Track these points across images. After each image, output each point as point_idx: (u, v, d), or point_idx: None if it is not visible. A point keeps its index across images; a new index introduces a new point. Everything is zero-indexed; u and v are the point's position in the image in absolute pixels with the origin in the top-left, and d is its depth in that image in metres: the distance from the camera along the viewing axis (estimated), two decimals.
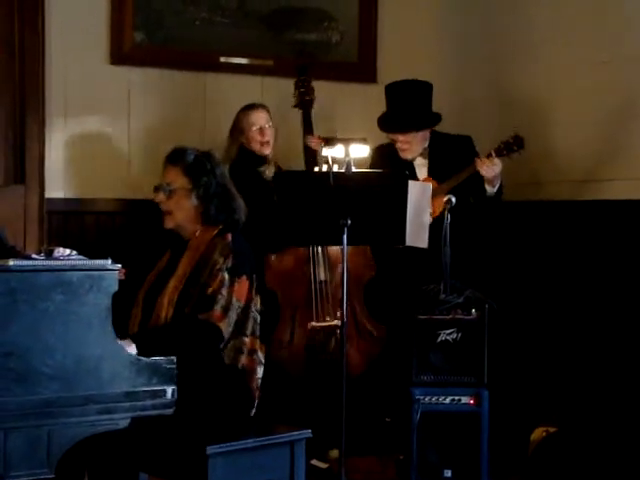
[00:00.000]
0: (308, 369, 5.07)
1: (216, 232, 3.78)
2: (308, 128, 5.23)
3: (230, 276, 3.64)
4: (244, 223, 3.95)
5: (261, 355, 3.80)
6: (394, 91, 5.10)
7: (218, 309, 3.59)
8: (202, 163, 3.87)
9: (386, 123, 5.11)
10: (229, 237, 3.75)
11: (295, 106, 5.29)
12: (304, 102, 5.26)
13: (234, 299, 3.64)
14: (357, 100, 5.83)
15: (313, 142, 5.15)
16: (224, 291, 3.61)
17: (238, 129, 5.22)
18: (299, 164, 5.33)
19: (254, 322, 3.75)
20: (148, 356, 3.11)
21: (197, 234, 3.82)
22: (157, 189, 3.89)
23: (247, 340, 3.71)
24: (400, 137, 5.08)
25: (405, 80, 5.11)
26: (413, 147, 5.10)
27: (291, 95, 5.35)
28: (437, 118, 5.12)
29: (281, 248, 5.06)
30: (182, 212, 3.84)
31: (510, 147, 4.84)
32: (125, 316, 3.77)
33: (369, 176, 4.58)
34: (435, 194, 4.86)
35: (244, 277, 3.69)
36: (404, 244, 4.54)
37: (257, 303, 3.77)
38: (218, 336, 3.58)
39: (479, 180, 4.91)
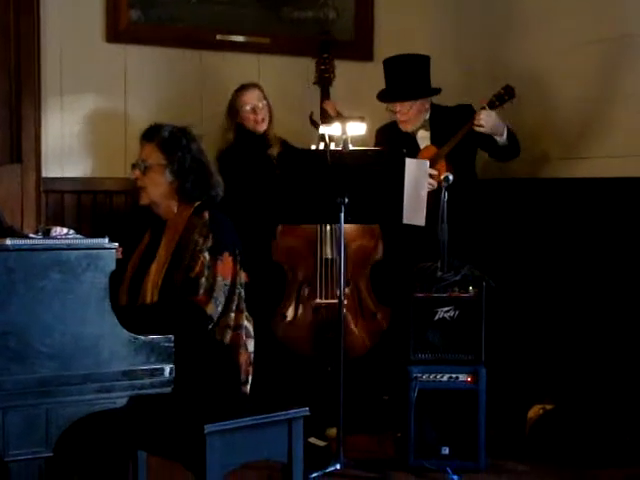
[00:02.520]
0: (313, 347, 5.07)
1: (192, 210, 3.76)
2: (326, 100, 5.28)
3: (211, 255, 3.61)
4: (245, 199, 3.93)
5: (250, 328, 3.79)
6: (391, 65, 5.13)
7: (202, 292, 3.56)
8: (177, 138, 3.82)
9: (384, 94, 5.13)
10: (206, 215, 3.69)
11: (315, 83, 5.31)
12: (323, 79, 5.32)
13: (219, 278, 3.60)
14: (354, 78, 5.81)
15: (329, 106, 5.21)
16: (207, 272, 3.58)
17: (233, 110, 5.28)
18: (295, 141, 5.33)
19: (239, 297, 3.72)
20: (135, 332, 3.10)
21: (175, 211, 3.79)
22: (134, 166, 3.85)
23: (232, 316, 3.69)
24: (397, 107, 5.10)
25: (402, 54, 5.14)
26: (411, 118, 5.13)
27: (287, 73, 5.36)
28: (434, 89, 5.16)
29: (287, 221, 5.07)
30: (156, 188, 3.79)
31: (502, 97, 4.92)
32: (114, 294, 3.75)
33: (366, 154, 4.59)
34: (436, 158, 4.91)
35: (226, 254, 3.64)
36: (401, 222, 4.56)
37: (242, 278, 3.75)
38: (204, 318, 3.55)
39: (487, 136, 4.94)
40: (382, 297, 5.21)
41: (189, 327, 3.54)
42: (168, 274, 3.63)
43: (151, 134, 3.86)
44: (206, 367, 3.58)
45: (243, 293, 3.75)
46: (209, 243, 3.62)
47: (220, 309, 3.60)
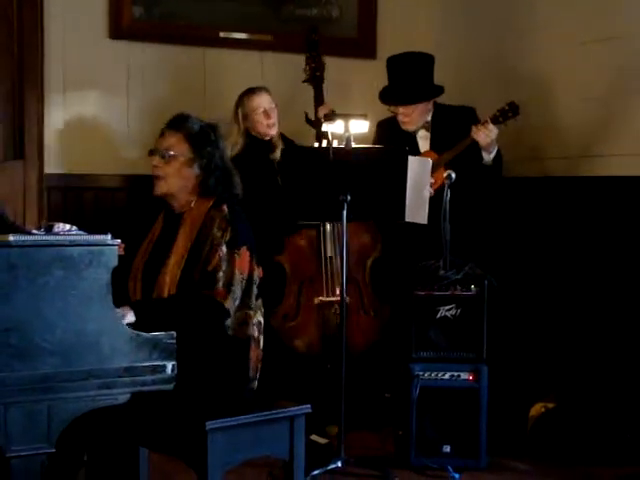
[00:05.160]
0: (316, 345, 5.07)
1: (211, 203, 3.72)
2: (319, 101, 5.22)
3: (229, 249, 3.58)
4: (251, 204, 3.91)
5: (262, 324, 3.77)
6: (395, 64, 5.10)
7: (220, 286, 3.53)
8: (207, 134, 3.78)
9: (386, 95, 5.11)
10: (225, 208, 3.66)
11: (306, 81, 5.28)
12: (315, 78, 5.25)
13: (237, 272, 3.57)
14: (356, 76, 5.82)
15: (323, 111, 5.14)
16: (225, 266, 3.56)
17: (242, 115, 5.19)
18: (299, 139, 5.34)
19: (256, 292, 3.70)
20: (148, 328, 3.11)
21: (192, 205, 3.76)
22: (152, 152, 3.79)
23: (252, 312, 3.67)
24: (400, 109, 5.08)
25: (406, 53, 5.11)
26: (414, 119, 5.11)
27: (290, 70, 5.35)
28: (438, 90, 5.13)
29: (294, 230, 5.06)
30: (179, 180, 3.74)
31: (506, 114, 4.88)
32: (123, 288, 3.73)
33: (369, 152, 4.58)
34: (435, 166, 4.88)
35: (244, 248, 3.62)
36: (404, 220, 4.56)
37: (257, 274, 3.72)
38: (222, 313, 3.54)
39: (476, 149, 4.92)
40: (382, 294, 5.21)
41: (207, 321, 3.52)
42: (187, 269, 3.59)
43: (178, 124, 3.80)
44: (217, 362, 3.57)
45: (255, 289, 3.72)
46: (227, 236, 3.59)
47: (237, 303, 3.59)
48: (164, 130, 3.82)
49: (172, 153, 3.74)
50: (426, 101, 5.11)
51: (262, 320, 3.76)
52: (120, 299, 3.27)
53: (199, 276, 3.56)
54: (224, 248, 3.57)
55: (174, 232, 3.72)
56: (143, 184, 5.17)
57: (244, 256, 3.61)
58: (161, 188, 3.78)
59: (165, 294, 3.58)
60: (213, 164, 3.74)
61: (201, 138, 3.76)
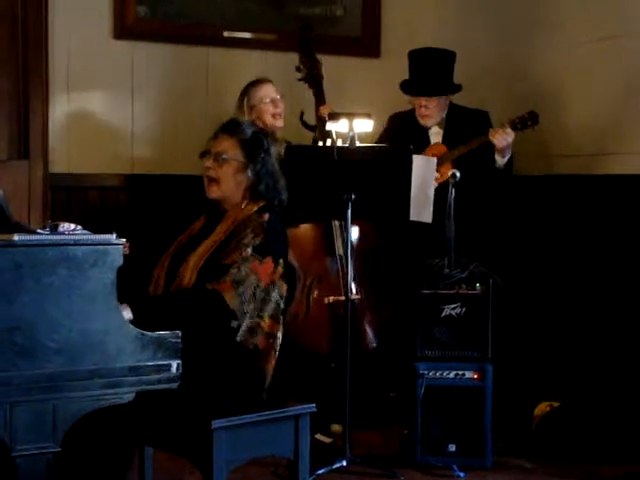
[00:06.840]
0: (327, 344, 5.06)
1: (257, 208, 3.74)
2: (321, 100, 5.22)
3: (254, 253, 3.58)
4: None
5: (278, 341, 3.75)
6: (418, 57, 5.13)
7: (228, 280, 3.52)
8: (260, 140, 3.82)
9: (411, 87, 5.12)
10: (266, 217, 3.70)
11: (302, 80, 5.27)
12: (313, 76, 5.24)
13: (252, 276, 3.55)
14: (360, 75, 5.81)
15: (326, 111, 5.14)
16: (242, 265, 3.55)
17: (249, 106, 5.15)
18: (300, 139, 5.33)
19: (276, 306, 3.67)
20: (152, 322, 3.11)
21: (241, 206, 3.77)
22: (205, 154, 3.83)
23: (265, 323, 3.64)
24: (423, 102, 5.10)
25: (429, 47, 5.16)
26: (434, 113, 5.14)
27: (294, 69, 5.34)
28: (458, 87, 5.16)
29: (294, 223, 5.05)
30: (232, 184, 3.78)
31: (525, 122, 4.92)
32: (146, 279, 3.74)
33: (373, 151, 4.59)
34: (444, 160, 4.90)
35: (269, 258, 3.61)
36: (408, 219, 4.56)
37: (281, 289, 3.72)
38: (223, 307, 3.51)
39: (490, 151, 4.93)
40: (387, 293, 5.20)
41: (206, 312, 3.51)
42: (211, 259, 3.60)
43: (232, 129, 3.85)
44: (221, 367, 3.54)
45: (282, 304, 3.71)
46: (257, 241, 3.60)
47: (246, 308, 3.55)
48: (217, 133, 3.86)
49: (225, 157, 3.78)
50: (450, 94, 5.17)
51: (280, 335, 3.75)
52: (131, 293, 3.29)
53: (214, 269, 3.56)
54: (249, 250, 3.58)
55: (212, 228, 3.75)
56: (147, 183, 5.22)
57: (267, 266, 3.60)
58: (215, 192, 3.82)
59: (185, 281, 3.58)
60: (265, 170, 3.77)
61: (254, 144, 3.80)
